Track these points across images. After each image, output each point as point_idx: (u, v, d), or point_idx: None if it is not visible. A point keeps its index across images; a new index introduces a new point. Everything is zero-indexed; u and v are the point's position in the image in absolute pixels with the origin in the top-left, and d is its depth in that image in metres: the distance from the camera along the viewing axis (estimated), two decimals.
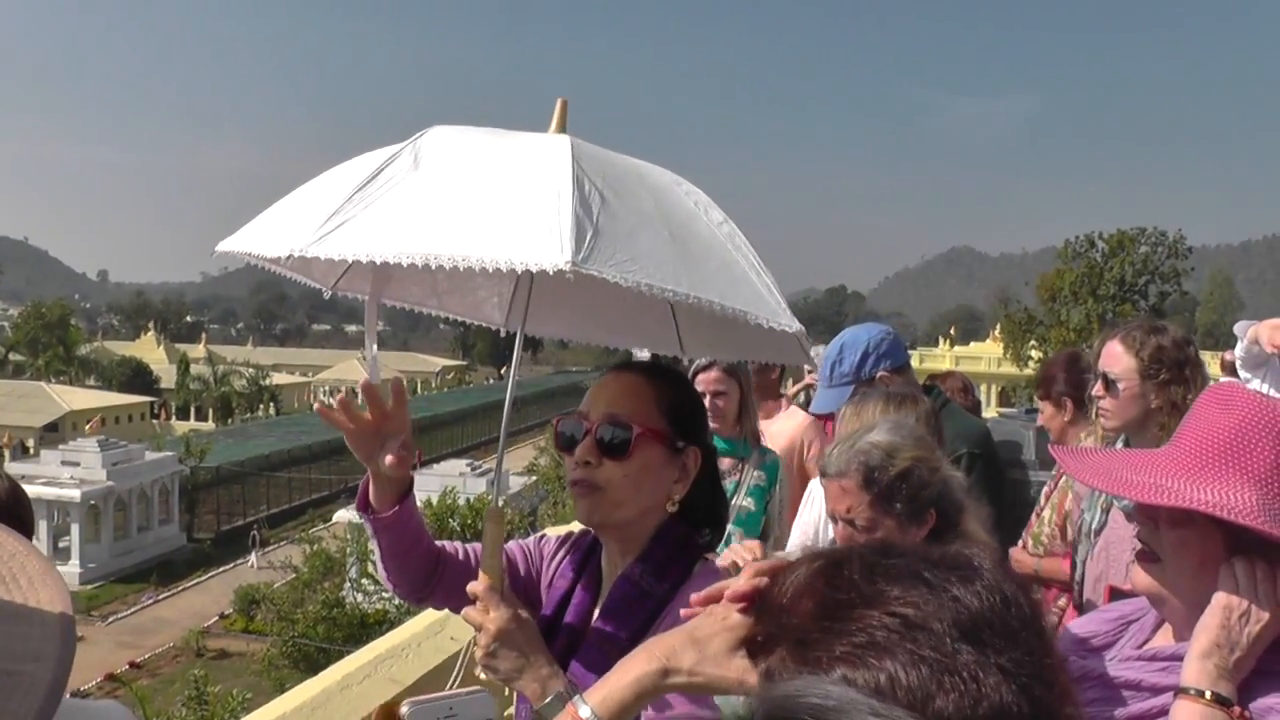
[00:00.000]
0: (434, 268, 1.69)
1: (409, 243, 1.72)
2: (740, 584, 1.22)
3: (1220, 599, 1.62)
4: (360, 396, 2.03)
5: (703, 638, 1.24)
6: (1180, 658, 1.67)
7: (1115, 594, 2.38)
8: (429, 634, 3.78)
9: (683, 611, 1.34)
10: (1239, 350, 3.26)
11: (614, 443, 1.99)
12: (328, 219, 1.79)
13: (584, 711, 1.29)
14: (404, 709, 1.13)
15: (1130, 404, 3.24)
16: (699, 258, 1.89)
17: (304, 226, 1.82)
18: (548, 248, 1.66)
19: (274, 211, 2.03)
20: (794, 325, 1.96)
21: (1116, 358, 3.29)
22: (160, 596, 40.48)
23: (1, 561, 1.07)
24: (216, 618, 37.12)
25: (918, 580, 1.02)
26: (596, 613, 2.06)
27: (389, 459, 1.98)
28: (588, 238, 1.69)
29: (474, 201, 1.81)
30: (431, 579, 2.17)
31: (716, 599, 1.28)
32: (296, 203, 2.00)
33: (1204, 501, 1.60)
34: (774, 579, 1.17)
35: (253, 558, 40.52)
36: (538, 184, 1.81)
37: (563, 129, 2.08)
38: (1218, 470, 1.63)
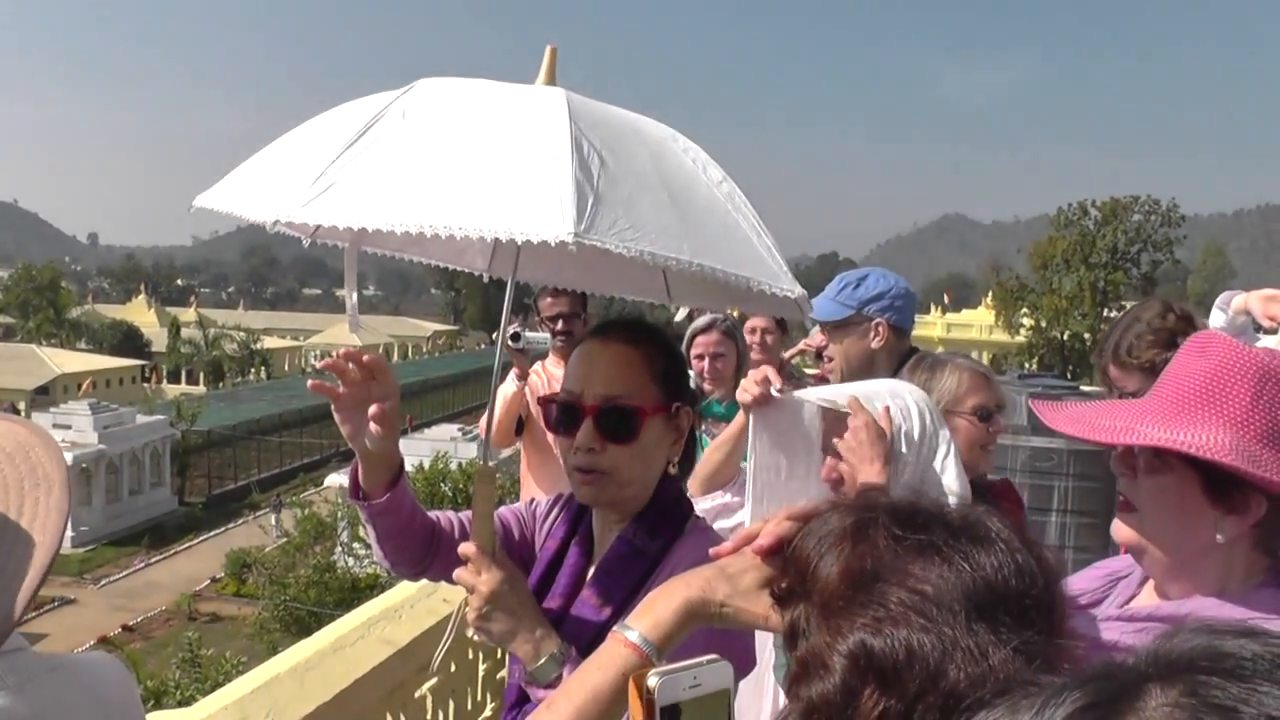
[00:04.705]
0: (429, 237, 1.63)
1: (403, 211, 1.65)
2: (765, 540, 1.27)
3: None
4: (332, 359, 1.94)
5: (734, 573, 1.29)
6: (1156, 619, 1.67)
7: None
8: (421, 596, 3.78)
9: (712, 551, 1.36)
10: (1221, 320, 3.27)
11: (618, 427, 1.93)
12: (315, 180, 1.72)
13: (633, 636, 1.27)
14: (651, 680, 1.14)
15: None
16: (700, 221, 1.84)
17: (290, 187, 1.75)
18: (548, 218, 1.61)
19: (256, 166, 1.95)
20: (796, 290, 1.92)
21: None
22: (152, 560, 40.54)
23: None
24: (208, 581, 37.22)
25: (937, 555, 1.07)
26: (591, 572, 2.04)
27: (371, 412, 1.84)
28: (589, 206, 1.64)
29: (469, 166, 1.74)
30: (429, 554, 2.11)
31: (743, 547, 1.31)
32: (279, 158, 1.93)
33: (1176, 441, 1.58)
34: (802, 529, 1.22)
35: (273, 522, 40.44)
36: (535, 147, 1.75)
37: (552, 79, 2.01)
38: (1193, 414, 1.62)
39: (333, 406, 1.88)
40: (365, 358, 1.88)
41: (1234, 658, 0.73)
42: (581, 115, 1.84)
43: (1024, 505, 3.19)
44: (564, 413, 1.99)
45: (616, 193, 1.71)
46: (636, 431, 1.94)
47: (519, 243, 1.62)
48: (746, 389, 2.52)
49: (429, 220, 1.63)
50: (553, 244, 1.59)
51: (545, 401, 2.08)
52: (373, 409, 1.84)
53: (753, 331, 4.69)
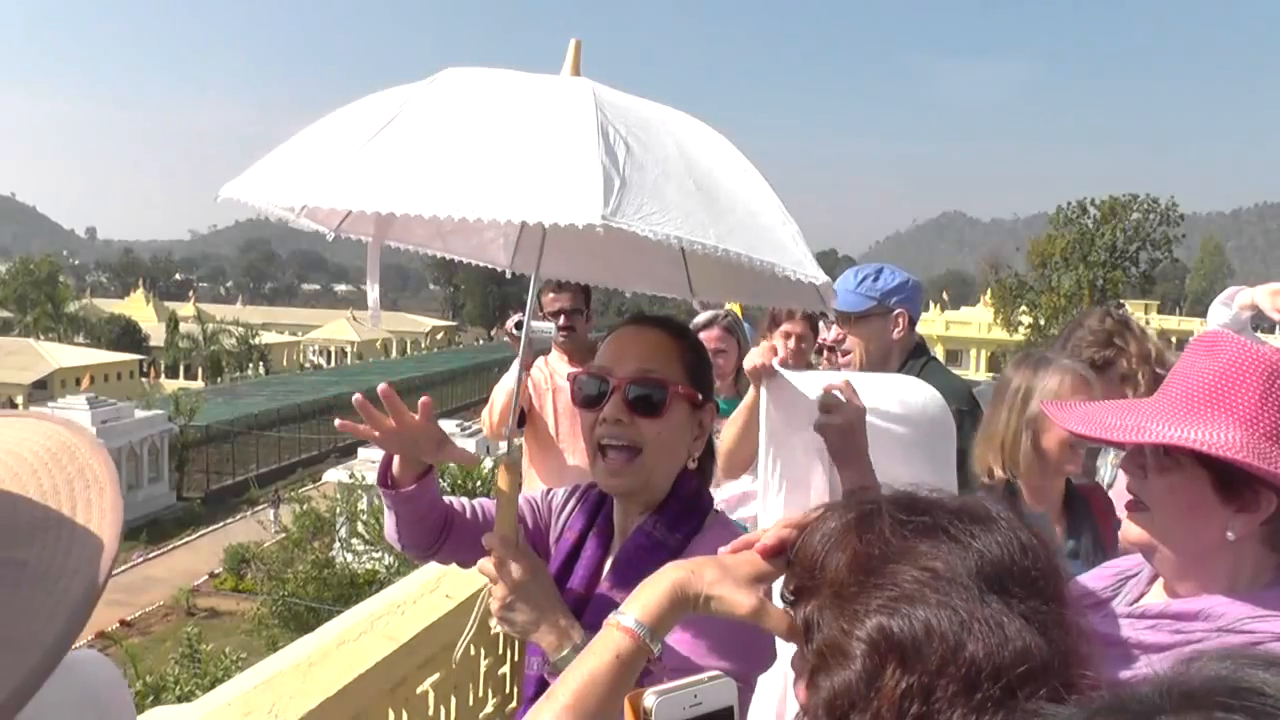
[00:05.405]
0: (457, 220, 1.64)
1: (433, 196, 1.66)
2: (768, 541, 1.28)
3: None
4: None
5: (729, 564, 1.30)
6: (1168, 616, 1.67)
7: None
8: (424, 591, 3.77)
9: (721, 550, 1.37)
10: (1225, 316, 3.29)
11: (647, 401, 1.95)
12: (341, 168, 1.73)
13: (626, 620, 1.28)
14: (648, 700, 1.12)
15: None
16: (725, 207, 1.84)
17: (318, 175, 1.75)
18: (576, 201, 1.61)
19: (282, 156, 1.94)
20: (820, 277, 1.93)
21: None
22: (150, 555, 40.51)
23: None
24: (206, 576, 37.21)
25: (943, 534, 1.08)
26: (609, 564, 2.04)
27: (431, 455, 2.01)
28: (615, 190, 1.64)
29: (498, 152, 1.74)
30: (441, 538, 2.14)
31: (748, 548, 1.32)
32: (306, 147, 1.92)
33: (1186, 439, 1.59)
34: (804, 532, 1.22)
35: (272, 517, 40.40)
36: (563, 133, 1.75)
37: (576, 72, 2.02)
38: (1202, 412, 1.62)
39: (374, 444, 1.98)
40: (424, 401, 1.98)
41: (1257, 693, 0.67)
42: (607, 104, 1.85)
43: (1114, 508, 3.23)
44: (593, 387, 2.01)
45: (643, 178, 1.72)
46: (664, 406, 1.95)
47: (546, 226, 1.61)
48: (750, 359, 2.68)
49: (455, 206, 1.63)
50: (580, 227, 1.58)
51: (575, 376, 2.09)
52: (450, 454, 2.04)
53: (787, 336, 4.71)
